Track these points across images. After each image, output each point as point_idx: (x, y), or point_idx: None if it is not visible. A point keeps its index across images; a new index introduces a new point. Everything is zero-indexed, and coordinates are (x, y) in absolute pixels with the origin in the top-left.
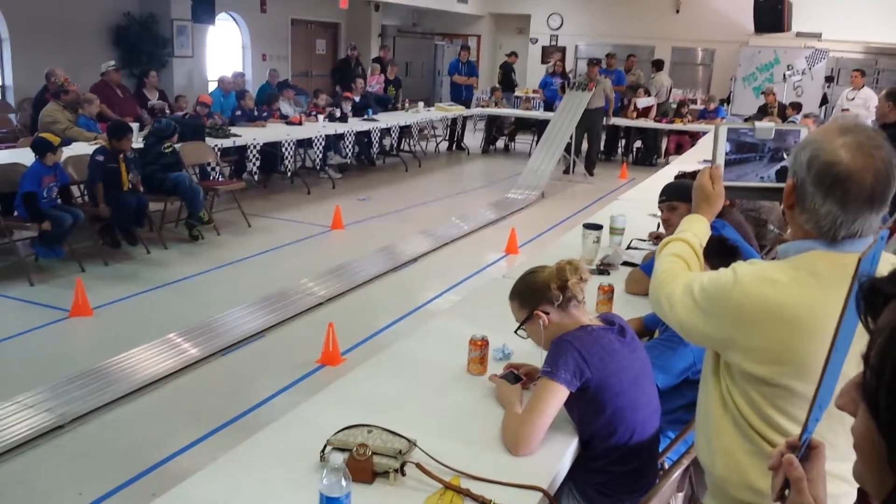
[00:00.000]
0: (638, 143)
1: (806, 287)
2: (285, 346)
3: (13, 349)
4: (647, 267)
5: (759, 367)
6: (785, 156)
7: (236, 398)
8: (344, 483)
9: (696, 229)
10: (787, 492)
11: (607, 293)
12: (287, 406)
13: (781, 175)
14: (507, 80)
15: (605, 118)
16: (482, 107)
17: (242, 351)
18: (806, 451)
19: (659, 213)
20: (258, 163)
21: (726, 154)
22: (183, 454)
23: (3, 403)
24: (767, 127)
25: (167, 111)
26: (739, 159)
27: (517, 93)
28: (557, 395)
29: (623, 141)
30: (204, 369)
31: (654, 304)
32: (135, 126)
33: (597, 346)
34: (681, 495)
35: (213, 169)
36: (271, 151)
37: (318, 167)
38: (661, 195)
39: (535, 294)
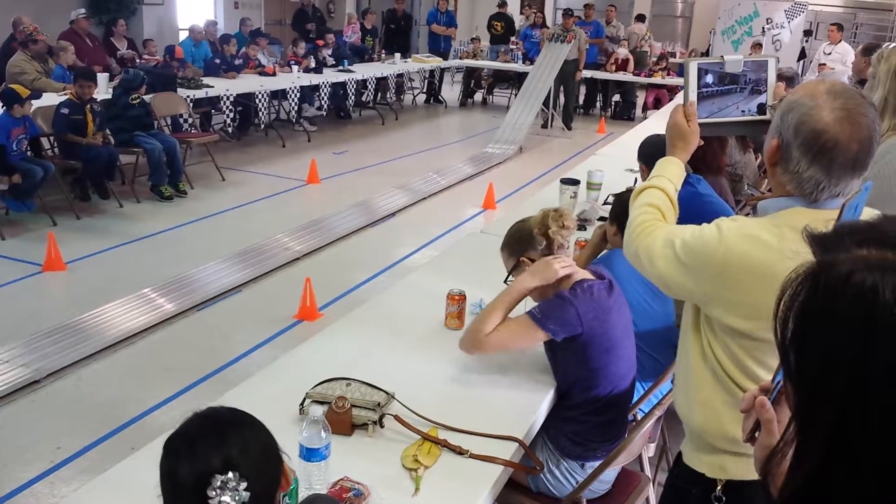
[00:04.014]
0: (616, 98)
1: (789, 243)
2: (262, 302)
3: None
4: None
5: (741, 322)
6: (763, 88)
7: (213, 353)
8: (323, 435)
9: (669, 174)
10: (756, 433)
11: (584, 248)
12: (264, 361)
13: (762, 109)
14: (509, 31)
15: (576, 72)
16: (461, 58)
17: (218, 306)
18: (777, 395)
19: (637, 169)
20: (232, 114)
21: (708, 86)
22: (161, 408)
23: None
24: (737, 59)
25: (137, 60)
26: (721, 91)
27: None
28: (532, 336)
29: (601, 95)
30: (180, 324)
31: (632, 257)
32: (104, 76)
33: (593, 305)
34: (653, 445)
35: (185, 121)
36: (245, 103)
37: (292, 119)
38: (639, 151)
39: (520, 242)
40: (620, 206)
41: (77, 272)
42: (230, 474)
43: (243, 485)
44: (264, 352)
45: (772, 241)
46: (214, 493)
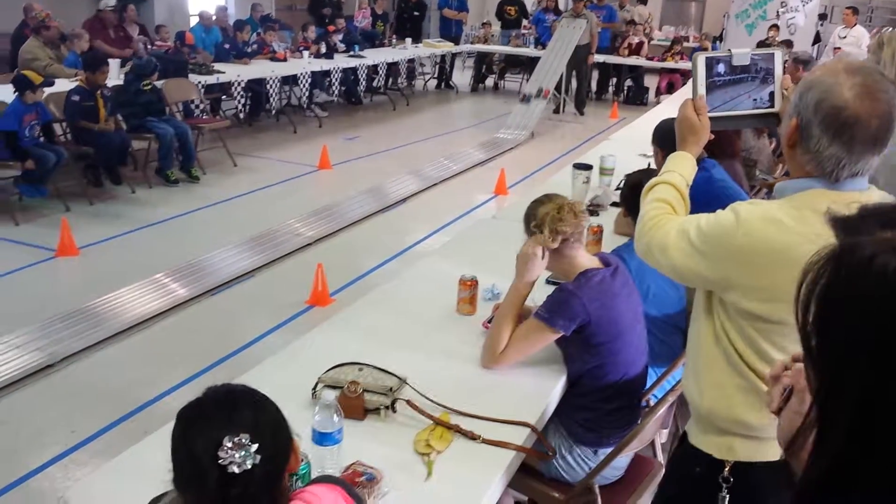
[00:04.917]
0: (629, 82)
1: (810, 225)
2: (274, 287)
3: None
4: None
5: (759, 305)
6: (772, 79)
7: (225, 338)
8: (336, 419)
9: (681, 168)
10: (783, 405)
11: (596, 234)
12: (276, 346)
13: (773, 99)
14: (522, 15)
15: (588, 56)
16: (473, 43)
17: (231, 291)
18: None
19: (650, 154)
20: (243, 100)
21: (720, 75)
22: (173, 393)
23: None
24: (744, 52)
25: (149, 46)
26: (733, 80)
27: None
28: (546, 337)
29: (614, 80)
30: (192, 310)
31: (644, 252)
32: (115, 62)
33: (598, 293)
34: (665, 431)
35: (196, 107)
36: (256, 89)
37: (303, 105)
38: (654, 135)
39: (534, 227)
40: (630, 189)
41: (90, 257)
42: (242, 437)
43: (254, 447)
44: (276, 337)
45: (792, 224)
46: (226, 453)
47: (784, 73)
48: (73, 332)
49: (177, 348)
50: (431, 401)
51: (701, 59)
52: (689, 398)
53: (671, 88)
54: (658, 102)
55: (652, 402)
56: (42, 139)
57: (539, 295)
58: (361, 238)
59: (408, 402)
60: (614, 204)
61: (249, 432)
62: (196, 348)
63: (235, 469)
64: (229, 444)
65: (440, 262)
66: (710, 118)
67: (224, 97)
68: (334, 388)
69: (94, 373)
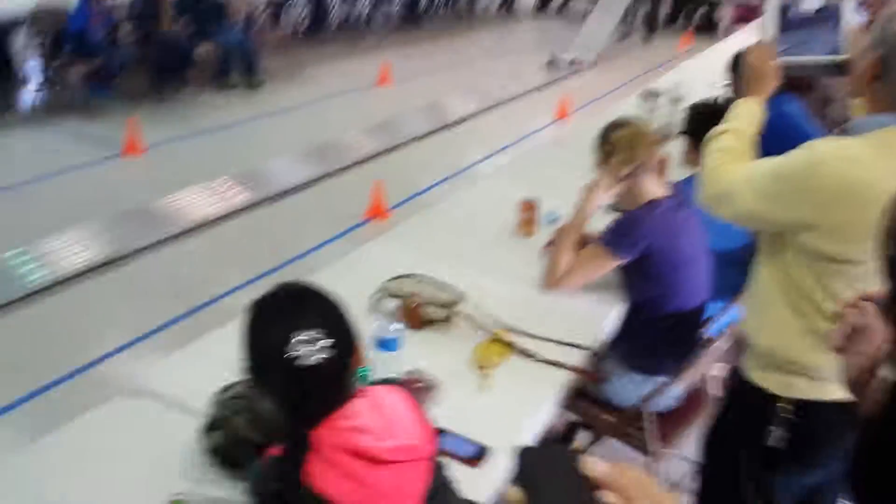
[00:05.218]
0: (701, 11)
1: (890, 161)
2: (332, 199)
3: (66, 185)
4: None
5: (832, 246)
6: (841, 25)
7: (284, 245)
8: (394, 327)
9: (747, 115)
10: (848, 345)
11: (663, 163)
12: (334, 256)
13: (840, 46)
14: None
15: None
16: None
17: (289, 201)
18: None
19: (719, 83)
20: (305, 13)
21: (791, 19)
22: (232, 294)
23: (56, 237)
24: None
25: None
26: (804, 23)
27: None
28: (607, 263)
29: (685, 9)
30: (252, 216)
31: (710, 201)
32: None
33: (662, 224)
34: (721, 366)
35: (259, 17)
36: (319, 2)
37: (365, 20)
38: (732, 64)
39: (605, 152)
40: (698, 120)
41: (154, 158)
42: (314, 331)
43: (324, 342)
44: (334, 247)
45: (871, 161)
46: (299, 346)
47: (867, 6)
48: (137, 230)
49: (236, 252)
50: (489, 316)
51: (773, 1)
52: (749, 336)
53: (744, 20)
54: (729, 34)
55: (710, 336)
56: (109, 39)
57: (602, 223)
58: (419, 155)
59: (466, 315)
60: (681, 133)
61: (320, 328)
62: (254, 253)
63: (306, 362)
64: (302, 337)
65: (499, 184)
66: (780, 64)
67: (287, 8)
68: (394, 297)
69: (157, 270)
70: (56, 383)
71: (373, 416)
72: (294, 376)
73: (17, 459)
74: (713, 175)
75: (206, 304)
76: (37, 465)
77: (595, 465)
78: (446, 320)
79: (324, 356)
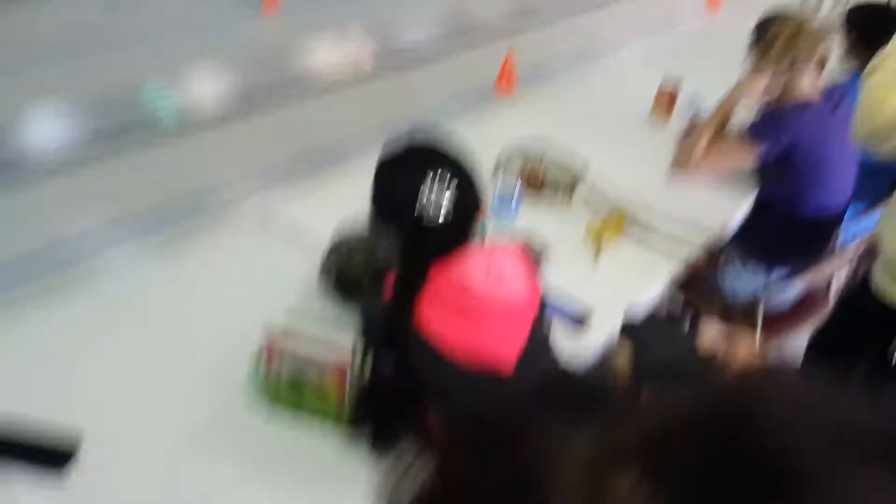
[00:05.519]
0: None
1: None
2: (462, 71)
3: (210, 41)
4: None
5: None
6: None
7: (411, 112)
8: (516, 189)
9: None
10: None
11: (820, 60)
12: (459, 126)
13: None
14: None
15: None
16: None
17: (419, 71)
18: None
19: None
20: None
21: None
22: (366, 152)
23: (198, 82)
24: None
25: None
26: None
27: None
28: (747, 154)
29: None
30: (382, 83)
31: (869, 136)
32: None
33: (811, 124)
34: (843, 273)
35: None
36: None
37: None
38: (848, 16)
39: (762, 45)
40: (859, 13)
41: (290, 17)
42: (441, 183)
43: (451, 193)
44: (460, 117)
45: None
46: (426, 198)
47: None
48: (271, 87)
49: (366, 115)
50: (611, 193)
51: None
52: (883, 244)
53: None
54: None
55: (843, 241)
56: None
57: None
58: (555, 37)
59: (587, 188)
60: (843, 27)
61: (448, 180)
62: (384, 116)
63: (433, 213)
64: (432, 177)
65: (638, 70)
66: None
67: None
68: (519, 158)
69: (287, 127)
70: (193, 211)
71: (484, 268)
72: (418, 226)
73: (156, 273)
74: (870, 106)
75: (337, 160)
76: (172, 280)
77: (706, 329)
78: (566, 191)
79: (449, 209)
